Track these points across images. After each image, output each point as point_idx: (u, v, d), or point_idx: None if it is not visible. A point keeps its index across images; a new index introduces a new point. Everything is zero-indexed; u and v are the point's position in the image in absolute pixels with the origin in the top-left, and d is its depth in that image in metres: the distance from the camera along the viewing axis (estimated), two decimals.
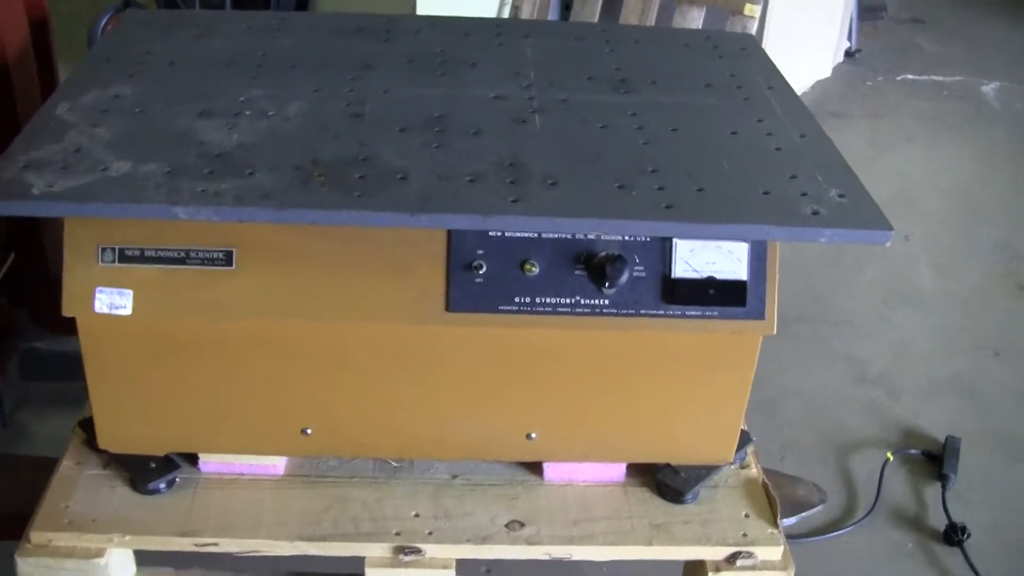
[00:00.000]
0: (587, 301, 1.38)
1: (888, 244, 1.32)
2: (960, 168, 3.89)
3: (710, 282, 1.38)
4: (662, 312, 1.38)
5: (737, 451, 1.59)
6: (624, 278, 1.36)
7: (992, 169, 3.88)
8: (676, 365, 1.44)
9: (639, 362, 1.44)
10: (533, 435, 1.50)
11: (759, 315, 1.39)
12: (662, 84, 1.69)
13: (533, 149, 1.44)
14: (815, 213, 1.32)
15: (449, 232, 1.37)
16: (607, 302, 1.38)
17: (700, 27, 3.19)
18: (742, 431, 1.63)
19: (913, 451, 2.53)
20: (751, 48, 1.90)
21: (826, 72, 4.39)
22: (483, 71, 1.70)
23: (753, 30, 3.47)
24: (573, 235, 1.37)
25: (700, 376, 1.46)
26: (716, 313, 1.39)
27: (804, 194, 1.36)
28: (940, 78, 4.55)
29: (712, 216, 1.30)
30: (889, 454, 2.46)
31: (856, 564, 2.17)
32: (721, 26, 3.32)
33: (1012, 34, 5.05)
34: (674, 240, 1.37)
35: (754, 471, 1.62)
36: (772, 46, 3.70)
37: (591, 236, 1.34)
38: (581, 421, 1.50)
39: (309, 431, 1.50)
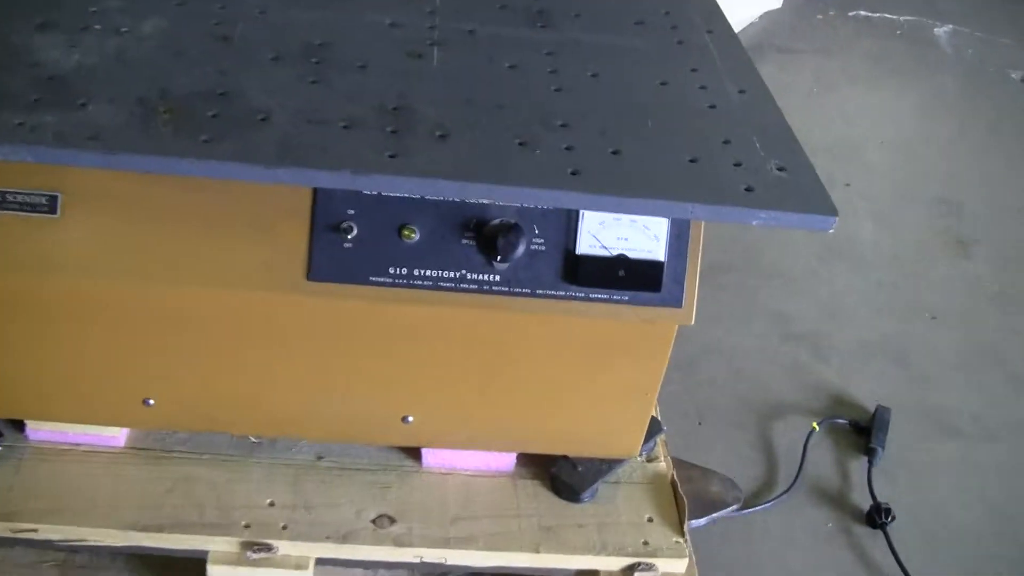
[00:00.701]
0: (475, 276, 1.17)
1: (832, 231, 1.13)
2: (905, 116, 3.71)
3: (620, 261, 1.18)
4: (562, 293, 1.18)
5: (645, 442, 1.41)
6: (519, 251, 1.16)
7: (937, 119, 3.71)
8: (577, 353, 1.25)
9: (534, 347, 1.24)
10: (410, 418, 1.31)
11: (676, 302, 1.20)
12: (586, 19, 1.48)
13: (425, 91, 1.22)
14: (749, 189, 1.12)
15: (315, 187, 1.15)
16: (498, 278, 1.18)
17: None
18: (652, 419, 1.45)
19: (840, 420, 2.37)
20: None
21: (776, 4, 4.17)
22: None
23: None
24: (462, 200, 1.16)
25: (604, 366, 1.27)
26: (626, 298, 1.19)
27: (738, 164, 1.16)
28: (893, 16, 4.35)
29: (626, 187, 1.09)
30: (815, 423, 2.30)
31: (767, 546, 2.02)
32: None
33: None
34: (580, 211, 1.17)
35: (663, 464, 1.44)
36: None
37: (481, 202, 1.13)
38: (465, 406, 1.30)
39: (152, 401, 1.29)
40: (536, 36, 1.39)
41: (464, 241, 1.16)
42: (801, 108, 3.61)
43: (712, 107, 1.29)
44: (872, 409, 2.37)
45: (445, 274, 1.17)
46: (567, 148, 1.14)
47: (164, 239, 1.15)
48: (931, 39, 4.21)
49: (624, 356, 1.25)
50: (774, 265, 2.83)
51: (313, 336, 1.22)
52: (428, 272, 1.16)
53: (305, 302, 1.18)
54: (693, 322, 1.20)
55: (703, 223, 1.19)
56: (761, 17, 4.10)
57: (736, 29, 3.63)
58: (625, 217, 1.17)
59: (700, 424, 2.27)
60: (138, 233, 1.15)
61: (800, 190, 1.14)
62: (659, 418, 1.49)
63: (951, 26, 4.31)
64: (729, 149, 1.20)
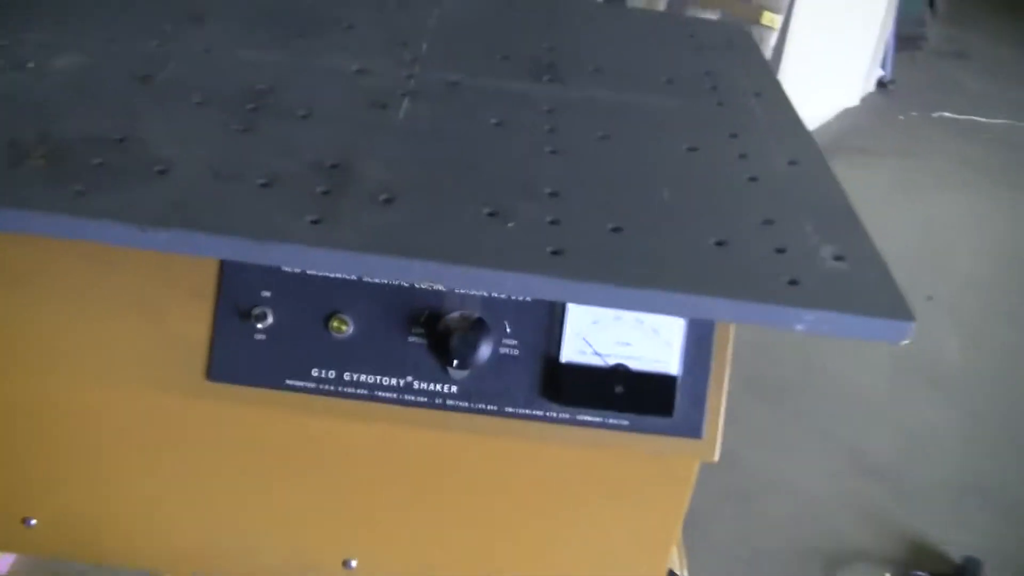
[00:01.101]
0: (424, 386, 0.89)
1: (906, 343, 0.82)
2: (997, 223, 3.37)
3: (619, 374, 0.88)
4: (540, 414, 0.89)
5: None
6: (483, 356, 0.87)
7: None
8: (559, 494, 0.95)
9: (503, 482, 0.94)
10: (352, 563, 1.01)
11: (693, 431, 0.90)
12: (607, 75, 1.21)
13: (378, 146, 0.95)
14: (793, 283, 0.83)
15: (222, 263, 0.88)
16: (455, 390, 0.89)
17: None
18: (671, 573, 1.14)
19: (920, 574, 2.02)
20: (740, 43, 1.41)
21: (854, 102, 3.89)
22: (357, 35, 1.22)
23: (772, 44, 3.00)
24: (411, 283, 0.88)
25: (597, 513, 0.96)
26: (626, 423, 0.89)
27: (781, 250, 0.87)
28: (982, 119, 4.04)
29: (623, 274, 0.81)
30: None
31: None
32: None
33: None
34: (567, 305, 0.88)
35: None
36: (792, 67, 3.21)
37: (425, 287, 0.84)
38: (419, 549, 1.00)
39: (33, 521, 1.02)
40: (538, 91, 1.12)
41: (412, 339, 0.88)
42: (878, 212, 3.29)
43: (753, 179, 1.00)
44: (958, 561, 2.02)
45: (385, 381, 0.88)
46: (552, 222, 0.86)
47: (34, 323, 0.89)
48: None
49: (624, 501, 0.95)
50: (843, 384, 2.50)
51: (217, 451, 0.94)
52: (362, 378, 0.88)
53: (205, 408, 0.90)
54: (716, 458, 0.90)
55: (731, 332, 0.89)
56: (837, 116, 3.82)
57: (814, 127, 3.36)
58: (627, 315, 0.87)
59: (751, 571, 1.94)
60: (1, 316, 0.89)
61: (863, 287, 0.84)
62: (682, 573, 1.17)
63: None
64: (770, 231, 0.91)
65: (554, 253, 0.82)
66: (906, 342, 0.82)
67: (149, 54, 1.10)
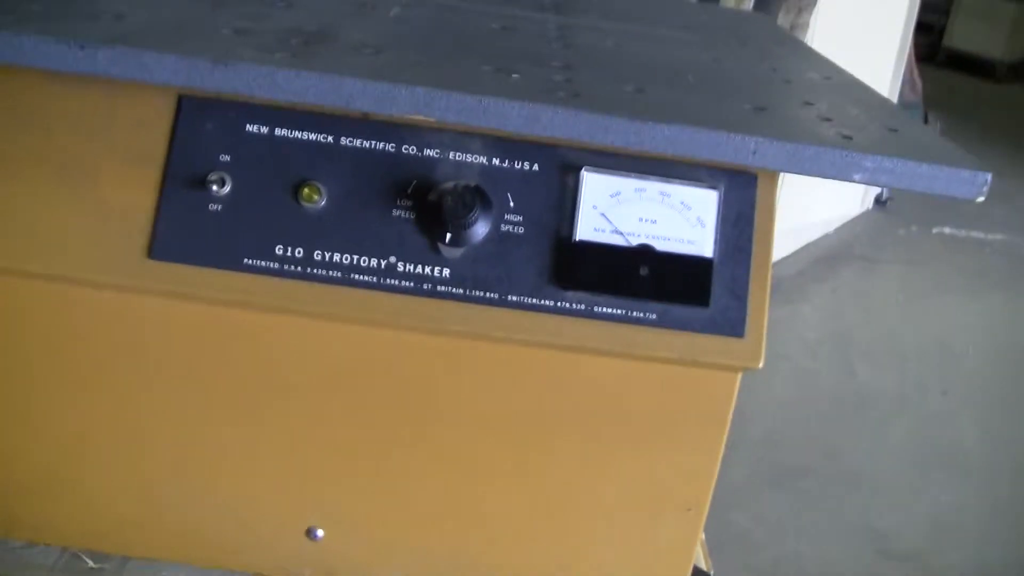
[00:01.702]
0: (411, 267, 0.74)
1: (982, 199, 0.69)
2: (1007, 325, 3.25)
3: (643, 255, 0.73)
4: (550, 303, 0.74)
5: None
6: (481, 231, 0.73)
7: None
8: (573, 411, 0.78)
9: (505, 396, 0.78)
10: (318, 532, 0.84)
11: (733, 328, 0.74)
12: (616, 15, 1.10)
13: (364, 25, 0.83)
14: (847, 137, 0.70)
15: (176, 116, 0.74)
16: (448, 273, 0.74)
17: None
18: (696, 569, 0.96)
19: None
20: (774, 33, 1.30)
21: (853, 215, 3.81)
22: None
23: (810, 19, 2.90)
24: (397, 146, 0.74)
25: (620, 437, 0.80)
26: (653, 316, 0.74)
27: (827, 119, 0.74)
28: (981, 235, 3.96)
29: (648, 112, 0.67)
30: None
31: None
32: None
33: None
34: (582, 172, 0.74)
35: None
36: (789, 182, 3.13)
37: (414, 116, 0.70)
38: (407, 509, 0.83)
39: None
40: (542, 15, 1.01)
41: (396, 211, 0.73)
42: (888, 315, 3.18)
43: (787, 82, 0.88)
44: None
45: (363, 261, 0.73)
46: (565, 80, 0.73)
47: None
48: None
49: (653, 421, 0.78)
50: (861, 471, 2.32)
51: (158, 359, 0.77)
52: (336, 257, 0.73)
53: (144, 296, 0.74)
54: (761, 364, 0.74)
55: (775, 202, 0.75)
56: (837, 230, 3.73)
57: (811, 239, 3.27)
58: (651, 187, 0.73)
59: None
60: None
61: (923, 147, 0.71)
62: (707, 569, 1.00)
63: None
64: (812, 109, 0.78)
65: (567, 96, 0.69)
66: (981, 199, 0.69)
67: None
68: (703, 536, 1.12)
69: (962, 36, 7.25)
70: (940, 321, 3.18)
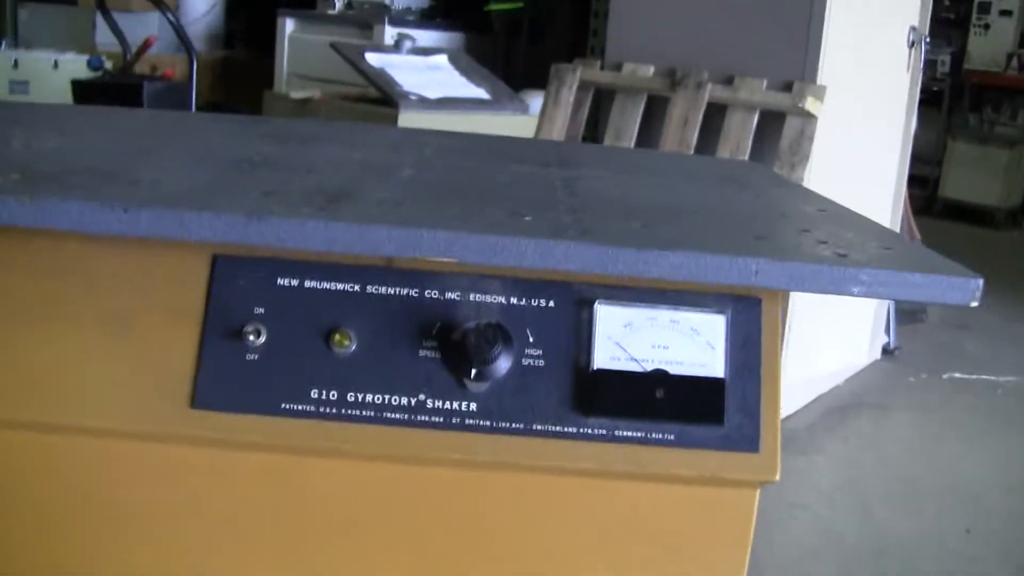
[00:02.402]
0: (439, 403, 0.78)
1: (975, 304, 0.73)
2: (1020, 462, 3.24)
3: (659, 379, 0.78)
4: (573, 431, 0.77)
5: None
6: (504, 366, 0.77)
7: None
8: (599, 532, 0.81)
9: (535, 519, 0.81)
10: None
11: (748, 444, 0.78)
12: (617, 170, 1.16)
13: (383, 183, 0.90)
14: (842, 255, 0.75)
15: (212, 273, 0.79)
16: (475, 407, 0.78)
17: (752, 133, 2.88)
18: None
19: None
20: (769, 178, 1.37)
21: (861, 365, 3.85)
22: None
23: (815, 131, 2.97)
24: (420, 291, 0.79)
25: (644, 557, 0.82)
26: (671, 437, 0.78)
27: (823, 242, 0.80)
28: (992, 377, 3.98)
29: (657, 244, 0.73)
30: None
31: None
32: (778, 130, 2.88)
33: None
34: (595, 305, 0.78)
35: None
36: (797, 336, 3.19)
37: (438, 259, 0.75)
38: None
39: None
40: (547, 171, 1.08)
41: (423, 352, 0.78)
42: (902, 459, 3.18)
43: (784, 215, 0.94)
44: None
45: (394, 400, 0.77)
46: (575, 220, 0.79)
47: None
48: None
49: (676, 539, 0.81)
50: None
51: (203, 497, 0.81)
52: (368, 397, 0.77)
53: (189, 442, 0.78)
54: (778, 477, 0.77)
55: (781, 325, 0.79)
56: (848, 380, 3.76)
57: (822, 391, 3.30)
58: (662, 315, 0.78)
59: None
60: None
61: (915, 261, 0.76)
62: None
63: None
64: (809, 236, 0.83)
65: (579, 232, 0.74)
66: (975, 303, 0.73)
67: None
68: None
69: (956, 186, 7.42)
70: (955, 462, 3.18)
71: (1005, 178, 7.19)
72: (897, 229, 3.90)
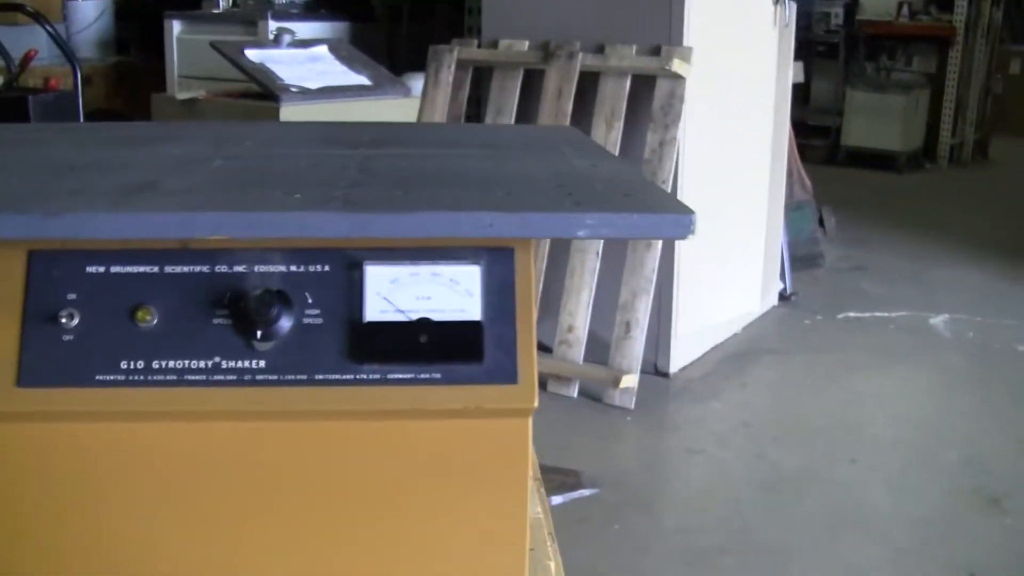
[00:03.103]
0: (232, 364, 0.89)
1: (690, 237, 0.86)
2: (912, 396, 3.43)
3: (423, 326, 0.90)
4: (351, 377, 0.89)
5: None
6: (285, 326, 0.89)
7: (949, 393, 3.42)
8: (387, 470, 0.93)
9: (325, 458, 0.93)
10: None
11: (507, 376, 0.90)
12: (426, 146, 1.28)
13: (184, 174, 1.00)
14: (577, 203, 0.87)
15: (28, 268, 0.90)
16: (263, 364, 0.89)
17: (625, 98, 3.04)
18: None
19: None
20: (573, 140, 1.49)
21: (756, 313, 4.01)
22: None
23: (684, 91, 3.10)
24: (212, 267, 0.90)
25: (430, 491, 0.94)
26: (438, 376, 0.90)
27: (569, 194, 0.92)
28: (885, 314, 4.17)
29: (410, 205, 0.85)
30: None
31: None
32: (650, 94, 3.02)
33: (964, 277, 4.72)
34: (364, 266, 0.90)
35: None
36: (685, 292, 3.34)
37: (213, 237, 0.87)
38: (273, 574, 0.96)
39: None
40: (353, 152, 1.19)
41: (216, 320, 0.89)
42: (797, 398, 3.34)
43: (555, 172, 1.06)
44: None
45: (193, 364, 0.88)
46: (344, 194, 0.91)
47: None
48: (928, 328, 4.01)
49: (462, 472, 0.93)
50: (775, 543, 2.45)
51: (32, 470, 0.91)
52: (171, 363, 0.88)
53: (17, 418, 0.88)
54: (536, 404, 0.90)
55: (532, 271, 0.92)
56: (744, 328, 3.93)
57: (719, 341, 3.45)
58: (424, 270, 0.90)
59: None
60: None
61: (645, 203, 0.89)
62: None
63: (947, 315, 4.11)
64: (562, 189, 0.96)
65: (340, 204, 0.86)
66: (691, 236, 0.85)
67: None
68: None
69: (858, 134, 7.64)
70: (847, 398, 3.35)
71: (904, 123, 7.42)
72: (781, 178, 4.06)
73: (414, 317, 0.89)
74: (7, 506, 0.91)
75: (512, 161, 1.14)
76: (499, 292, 0.91)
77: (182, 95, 3.35)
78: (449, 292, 0.90)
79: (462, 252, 0.90)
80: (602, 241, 3.24)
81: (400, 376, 0.89)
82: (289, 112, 3.04)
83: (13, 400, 0.87)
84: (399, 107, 3.40)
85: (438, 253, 0.90)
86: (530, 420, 0.93)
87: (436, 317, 0.89)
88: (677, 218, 0.86)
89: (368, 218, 0.83)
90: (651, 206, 0.88)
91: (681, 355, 3.47)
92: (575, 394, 3.23)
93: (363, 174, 1.03)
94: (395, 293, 0.90)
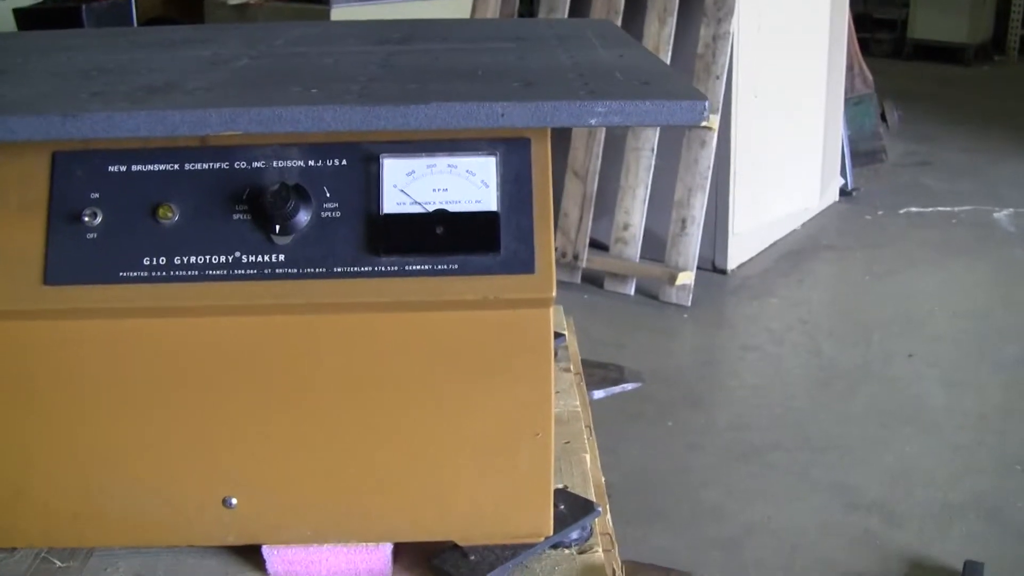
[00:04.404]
0: (252, 258, 0.90)
1: (704, 124, 0.84)
2: (973, 290, 3.38)
3: (440, 217, 0.90)
4: (368, 268, 0.90)
5: (572, 525, 1.06)
6: (303, 220, 0.89)
7: (1010, 288, 3.36)
8: (412, 363, 0.94)
9: (347, 352, 0.94)
10: (233, 500, 0.99)
11: (523, 266, 0.90)
12: (453, 40, 1.27)
13: (195, 76, 1.01)
14: (592, 92, 0.86)
15: (52, 168, 0.91)
16: (283, 258, 0.90)
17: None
18: (584, 501, 1.11)
19: None
20: (607, 30, 1.47)
21: (817, 209, 3.96)
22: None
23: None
24: (231, 164, 0.91)
25: (453, 383, 0.95)
26: (456, 267, 0.90)
27: (586, 83, 0.91)
28: (948, 208, 4.09)
29: (419, 98, 0.84)
30: None
31: None
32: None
33: None
34: (381, 159, 0.90)
35: (599, 556, 1.08)
36: (741, 183, 3.30)
37: (227, 132, 0.87)
38: (300, 471, 0.98)
39: None
40: (380, 48, 1.18)
41: (236, 216, 0.90)
42: (854, 294, 3.31)
43: (576, 63, 1.04)
44: (960, 569, 1.93)
45: (214, 259, 0.90)
46: (361, 88, 0.90)
47: None
48: (991, 222, 3.93)
49: (479, 363, 0.94)
50: (829, 439, 2.45)
51: (67, 371, 0.94)
52: (192, 259, 0.90)
53: (45, 316, 0.91)
54: (554, 293, 0.90)
55: (549, 161, 0.91)
56: (804, 225, 3.88)
57: (777, 238, 3.42)
58: (440, 162, 0.90)
59: None
60: None
61: (661, 90, 0.87)
62: (597, 500, 1.14)
63: (1011, 209, 4.02)
64: (581, 79, 0.94)
65: (353, 98, 0.86)
66: (705, 123, 0.84)
67: None
68: (603, 478, 1.27)
69: (924, 27, 7.41)
70: (906, 294, 3.31)
71: (972, 14, 7.18)
72: (841, 72, 3.96)
73: (431, 209, 0.89)
74: (35, 401, 0.94)
75: (537, 54, 1.12)
76: (515, 182, 0.90)
77: (234, 0, 3.35)
78: (465, 183, 0.90)
79: (478, 143, 0.90)
80: (657, 138, 3.21)
81: (417, 267, 0.89)
82: (339, 14, 3.02)
83: (41, 298, 0.89)
84: (452, 6, 3.37)
85: (454, 145, 0.90)
86: (550, 310, 0.93)
87: (453, 208, 0.89)
88: (690, 104, 0.84)
89: (380, 111, 0.83)
90: (665, 93, 0.87)
91: (738, 252, 3.45)
92: (632, 292, 3.22)
93: (383, 69, 1.02)
94: (412, 185, 0.90)
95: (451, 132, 0.89)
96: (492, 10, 3.28)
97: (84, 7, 3.31)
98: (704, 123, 3.05)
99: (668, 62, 3.13)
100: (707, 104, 0.85)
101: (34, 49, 1.27)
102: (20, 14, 3.46)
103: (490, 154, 0.90)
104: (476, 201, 0.90)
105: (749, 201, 3.41)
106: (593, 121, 0.84)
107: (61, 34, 1.47)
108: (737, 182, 3.35)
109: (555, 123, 0.85)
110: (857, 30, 4.26)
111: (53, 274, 0.90)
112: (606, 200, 3.28)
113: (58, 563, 1.05)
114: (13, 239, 0.90)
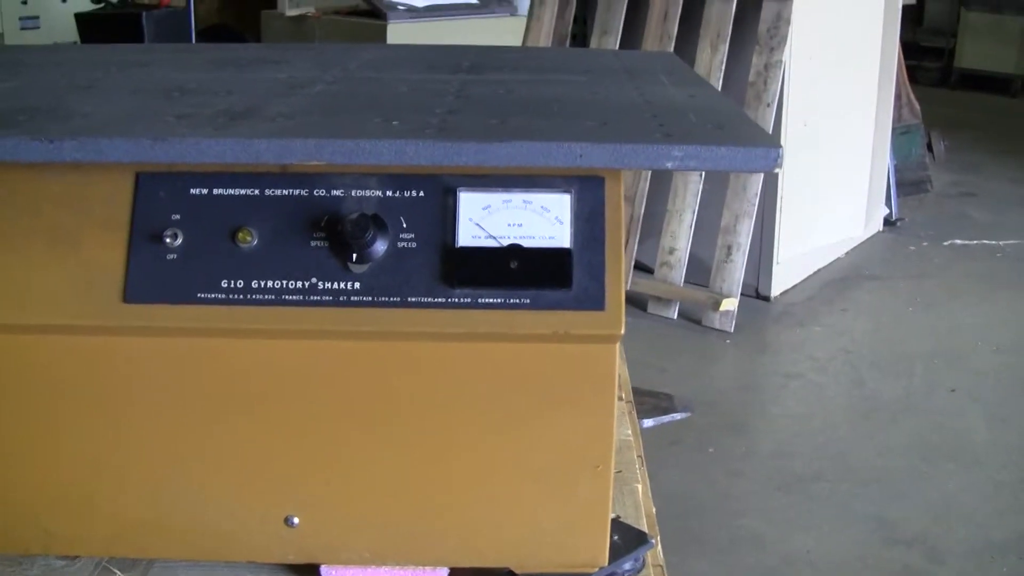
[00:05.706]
0: (328, 284, 0.92)
1: (777, 170, 0.86)
2: (1017, 325, 3.36)
3: (513, 252, 0.91)
4: (442, 300, 0.91)
5: (625, 556, 1.07)
6: (380, 249, 0.91)
7: None
8: (477, 392, 0.95)
9: (416, 379, 0.95)
10: (295, 519, 1.01)
11: (594, 303, 0.91)
12: (523, 70, 1.28)
13: (283, 102, 1.03)
14: (667, 135, 0.88)
15: (136, 189, 0.93)
16: (358, 285, 0.92)
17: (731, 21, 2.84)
18: (638, 532, 1.12)
19: None
20: (669, 66, 1.48)
21: (861, 238, 3.94)
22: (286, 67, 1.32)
23: (791, 13, 3.04)
24: (310, 191, 0.93)
25: (517, 411, 0.96)
26: (527, 301, 0.91)
27: (661, 124, 0.92)
28: (993, 242, 4.06)
29: (497, 137, 0.86)
30: None
31: None
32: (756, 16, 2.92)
33: None
34: (458, 193, 0.92)
35: None
36: (787, 211, 3.29)
37: (310, 163, 0.89)
38: (362, 493, 1.00)
39: None
40: (452, 77, 1.20)
41: (314, 243, 0.92)
42: (897, 325, 3.30)
43: (648, 102, 1.06)
44: None
45: (290, 284, 0.91)
46: (440, 122, 0.92)
47: None
48: None
49: (548, 395, 0.95)
50: (871, 471, 2.44)
51: (143, 387, 0.96)
52: (269, 283, 0.91)
53: (124, 332, 0.93)
54: (622, 330, 0.91)
55: (621, 200, 0.92)
56: (848, 254, 3.87)
57: (821, 266, 3.42)
58: (516, 198, 0.91)
59: None
60: None
61: (734, 135, 0.88)
62: (649, 530, 1.14)
63: None
64: (655, 120, 0.96)
65: (435, 132, 0.87)
66: (777, 170, 0.85)
67: None
68: (653, 508, 1.27)
69: (972, 56, 7.37)
70: (949, 326, 3.29)
71: (1020, 45, 7.13)
72: (889, 101, 3.95)
73: (505, 243, 0.91)
74: (109, 413, 0.96)
75: (607, 89, 1.14)
76: (588, 220, 0.92)
77: (292, 11, 3.39)
78: (540, 219, 0.91)
79: (554, 180, 0.91)
80: None
81: (490, 300, 0.91)
82: (396, 29, 3.05)
83: (120, 315, 0.91)
84: (506, 25, 3.39)
85: (530, 181, 0.91)
86: (617, 347, 0.95)
87: (527, 243, 0.91)
88: (764, 151, 0.86)
89: (461, 147, 0.84)
90: (740, 139, 0.88)
91: (782, 279, 3.45)
92: (675, 316, 3.23)
93: (459, 100, 1.04)
94: (487, 219, 0.91)
95: (528, 168, 0.90)
96: (546, 29, 3.30)
97: (144, 14, 3.36)
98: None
99: (719, 89, 3.14)
100: (781, 151, 0.86)
101: (112, 63, 1.30)
102: (81, 19, 3.51)
103: (565, 191, 0.91)
104: (549, 237, 0.91)
105: (794, 229, 3.41)
106: (669, 165, 0.85)
107: (133, 48, 1.50)
108: (784, 209, 3.35)
109: (632, 165, 0.86)
110: (904, 58, 4.25)
111: (133, 292, 0.92)
112: (652, 223, 3.28)
113: (119, 573, 1.07)
114: (95, 256, 0.92)
